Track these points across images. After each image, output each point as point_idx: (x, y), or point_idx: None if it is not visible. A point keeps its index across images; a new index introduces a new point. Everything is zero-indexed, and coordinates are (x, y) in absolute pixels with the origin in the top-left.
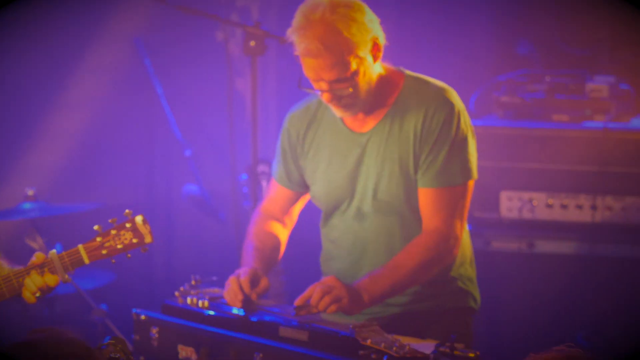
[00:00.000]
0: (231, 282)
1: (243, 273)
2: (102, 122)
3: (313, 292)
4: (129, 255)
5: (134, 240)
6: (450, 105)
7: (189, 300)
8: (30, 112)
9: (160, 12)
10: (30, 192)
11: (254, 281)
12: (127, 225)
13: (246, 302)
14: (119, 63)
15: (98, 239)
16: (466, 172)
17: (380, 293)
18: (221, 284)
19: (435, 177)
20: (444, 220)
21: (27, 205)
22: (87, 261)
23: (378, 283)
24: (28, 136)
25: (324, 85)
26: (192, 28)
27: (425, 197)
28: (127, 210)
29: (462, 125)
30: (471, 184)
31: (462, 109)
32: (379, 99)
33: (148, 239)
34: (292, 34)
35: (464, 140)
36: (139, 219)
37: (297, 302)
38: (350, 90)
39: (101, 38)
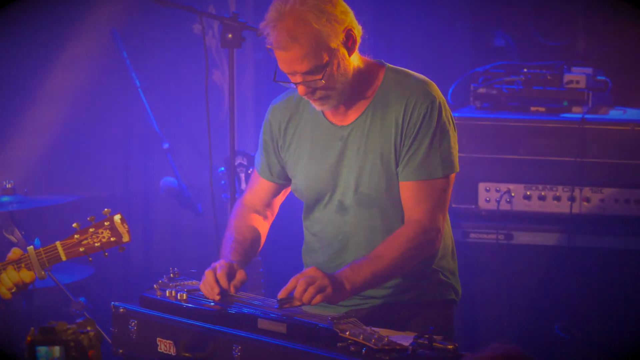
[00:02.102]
0: (207, 275)
1: (220, 267)
2: (79, 114)
3: (296, 284)
4: (106, 253)
5: (112, 239)
6: (432, 98)
7: (167, 293)
8: (6, 105)
9: (138, 3)
10: (8, 185)
11: (230, 274)
12: (106, 223)
13: (223, 295)
14: (96, 55)
15: (76, 236)
16: (447, 165)
17: (361, 282)
18: (199, 277)
19: (417, 170)
20: (426, 212)
21: (4, 198)
22: (64, 258)
23: (359, 272)
24: (5, 129)
25: (297, 78)
26: (170, 20)
27: (407, 190)
28: (105, 209)
29: (444, 118)
30: (452, 177)
31: (443, 102)
32: (359, 92)
33: (126, 238)
34: (264, 27)
35: (446, 133)
36: (117, 217)
37: (281, 295)
38: (323, 82)
39: (78, 30)
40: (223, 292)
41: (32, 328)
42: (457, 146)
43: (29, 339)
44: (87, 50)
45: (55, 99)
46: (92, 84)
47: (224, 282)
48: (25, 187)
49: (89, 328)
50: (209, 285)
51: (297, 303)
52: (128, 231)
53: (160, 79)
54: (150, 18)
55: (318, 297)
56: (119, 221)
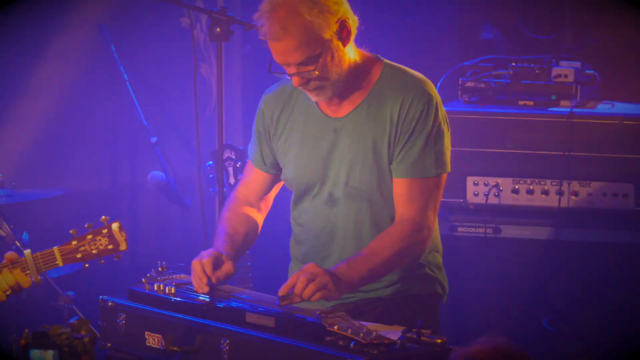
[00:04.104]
0: (194, 266)
1: (206, 255)
2: (67, 108)
3: (296, 281)
4: (102, 261)
5: (110, 247)
6: (428, 96)
7: (155, 286)
8: None
9: None
10: None
11: (216, 264)
12: (104, 231)
13: (212, 289)
14: (83, 49)
15: (73, 242)
16: (441, 164)
17: (358, 278)
18: (188, 270)
19: (411, 168)
20: (418, 210)
21: None
22: (60, 264)
23: (356, 269)
24: None
25: (292, 69)
26: (158, 14)
27: (400, 187)
28: (103, 217)
29: (440, 117)
30: (444, 177)
31: (439, 101)
32: (355, 84)
33: (123, 247)
34: (258, 19)
35: (441, 132)
36: (115, 226)
37: (281, 291)
38: (317, 73)
39: (66, 24)
40: (212, 284)
41: (26, 330)
42: (450, 147)
43: (22, 342)
44: (74, 45)
45: (42, 93)
46: (79, 78)
47: (208, 270)
48: (13, 181)
49: (83, 332)
50: (197, 276)
51: (298, 300)
52: (126, 239)
53: (148, 72)
54: (138, 12)
55: (318, 294)
56: (117, 229)
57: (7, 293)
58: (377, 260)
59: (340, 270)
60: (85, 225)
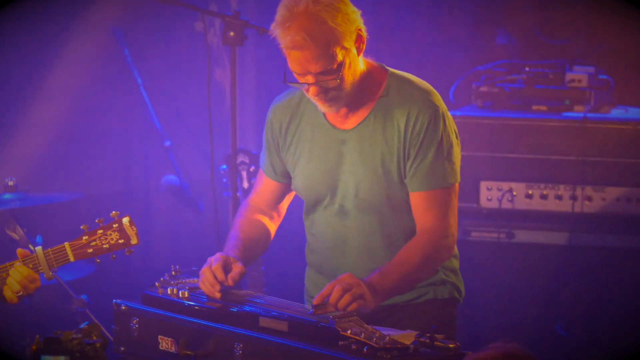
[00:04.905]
0: (204, 272)
1: (215, 260)
2: (81, 112)
3: (332, 290)
4: (114, 255)
5: (120, 241)
6: (435, 108)
7: (169, 290)
8: (9, 102)
9: (140, 1)
10: (10, 183)
11: (226, 267)
12: (114, 225)
13: (225, 293)
14: (97, 52)
15: (84, 237)
16: (453, 174)
17: (391, 287)
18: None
19: (424, 180)
20: (438, 219)
21: (6, 196)
22: (72, 259)
23: (388, 278)
24: (7, 127)
25: (310, 79)
26: (171, 18)
27: (416, 200)
28: (113, 212)
29: (448, 127)
30: (457, 186)
31: (446, 111)
32: (362, 95)
33: (134, 241)
34: (276, 28)
35: (450, 142)
36: (125, 220)
37: (316, 300)
38: (338, 82)
39: (80, 27)
40: (224, 289)
41: (37, 336)
42: (460, 155)
43: (34, 347)
44: (88, 48)
45: (57, 97)
46: (93, 82)
47: (219, 275)
48: (27, 185)
49: (94, 337)
50: (208, 283)
51: (332, 309)
52: (136, 234)
53: (161, 76)
54: (152, 16)
55: (354, 305)
56: (128, 223)
57: (20, 294)
58: (408, 269)
59: (375, 280)
60: (96, 221)
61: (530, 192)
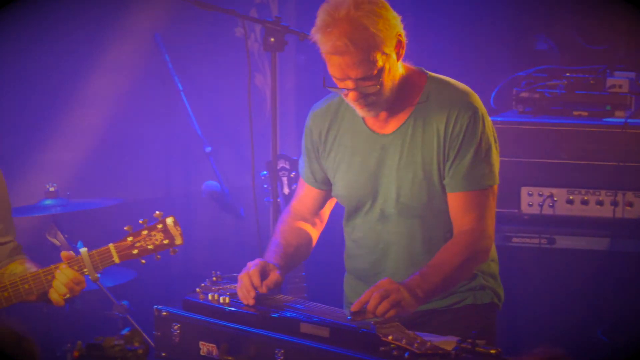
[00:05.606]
0: (242, 278)
1: (253, 265)
2: (122, 117)
3: (370, 297)
4: (159, 256)
5: (165, 242)
6: (474, 109)
7: (210, 296)
8: (51, 108)
9: (180, 7)
10: (51, 189)
11: (264, 273)
12: (159, 226)
13: (265, 299)
14: (139, 58)
15: (129, 238)
16: (491, 176)
17: (433, 289)
18: None
19: (462, 181)
20: (476, 220)
21: (48, 202)
22: (117, 260)
23: (428, 281)
24: (49, 132)
25: (350, 84)
26: (212, 24)
27: (454, 201)
28: (157, 212)
29: (487, 129)
30: (495, 188)
31: (484, 113)
32: (401, 99)
33: (179, 241)
34: (317, 33)
35: (488, 144)
36: (169, 220)
37: (354, 307)
38: (377, 87)
39: (121, 33)
40: (260, 296)
41: (79, 342)
42: (498, 158)
43: (76, 353)
44: (130, 54)
45: (98, 102)
46: (135, 88)
47: (256, 280)
48: (67, 191)
49: (136, 343)
50: (244, 289)
51: (370, 316)
52: (181, 234)
53: (202, 82)
54: (193, 22)
55: (392, 311)
56: (172, 224)
57: (66, 296)
58: (447, 271)
59: (415, 283)
60: (140, 221)
61: (571, 197)
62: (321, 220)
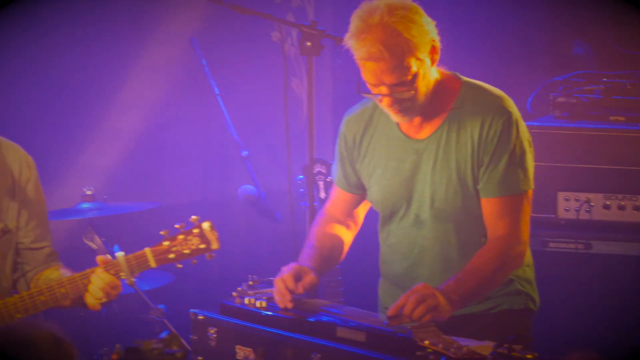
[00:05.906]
0: (276, 283)
1: (287, 269)
2: (159, 122)
3: (406, 302)
4: (195, 260)
5: (201, 246)
6: (508, 114)
7: (246, 300)
8: (88, 112)
9: (217, 12)
10: (88, 192)
11: (298, 277)
12: (195, 231)
13: (302, 303)
14: (175, 63)
15: (165, 243)
16: (526, 181)
17: (468, 294)
18: None
19: (497, 187)
20: (510, 226)
21: (85, 205)
22: (153, 265)
23: (464, 286)
24: (86, 136)
25: (384, 90)
26: (248, 28)
27: (489, 206)
28: (193, 217)
29: (521, 134)
30: (530, 192)
31: (519, 118)
32: (436, 104)
33: (215, 245)
34: (351, 39)
35: (522, 149)
36: (206, 225)
37: (390, 311)
38: (412, 93)
39: (158, 38)
40: (299, 299)
41: (118, 345)
42: (533, 162)
43: (114, 357)
44: (166, 58)
45: (135, 106)
46: (171, 92)
47: (290, 284)
48: (104, 194)
49: (174, 347)
50: (280, 293)
51: (407, 320)
52: (217, 238)
53: (239, 86)
54: (229, 26)
55: (428, 316)
56: (208, 228)
57: (102, 300)
58: (482, 276)
59: (450, 288)
60: (176, 226)
61: (608, 202)
62: (355, 223)
